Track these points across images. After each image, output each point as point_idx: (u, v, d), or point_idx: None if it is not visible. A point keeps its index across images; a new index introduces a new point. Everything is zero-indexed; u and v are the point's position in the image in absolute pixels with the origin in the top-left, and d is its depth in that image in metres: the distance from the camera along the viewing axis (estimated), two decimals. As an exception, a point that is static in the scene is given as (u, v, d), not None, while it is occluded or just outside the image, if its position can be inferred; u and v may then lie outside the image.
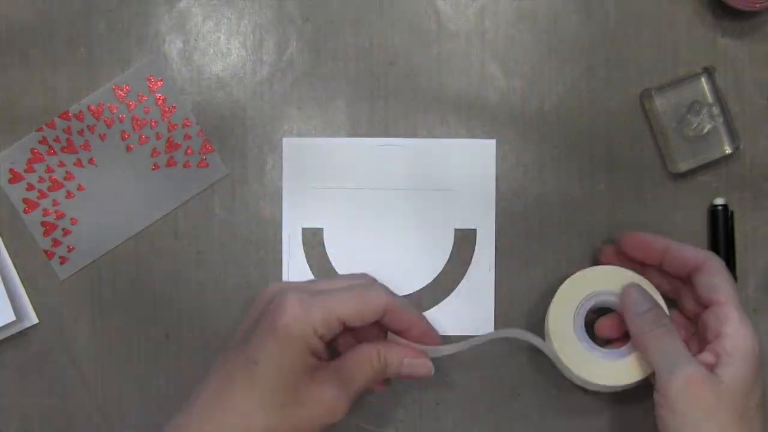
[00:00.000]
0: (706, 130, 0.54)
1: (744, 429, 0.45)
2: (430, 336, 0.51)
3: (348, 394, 0.47)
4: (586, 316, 0.52)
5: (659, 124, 0.54)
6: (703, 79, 0.54)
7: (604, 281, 0.52)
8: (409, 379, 0.51)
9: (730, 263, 0.54)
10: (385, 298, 0.48)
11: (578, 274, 0.52)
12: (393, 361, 0.49)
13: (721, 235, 0.54)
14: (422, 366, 0.50)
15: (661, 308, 0.50)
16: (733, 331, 0.46)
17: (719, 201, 0.54)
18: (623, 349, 0.51)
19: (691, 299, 0.51)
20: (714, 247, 0.54)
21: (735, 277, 0.54)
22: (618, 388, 0.51)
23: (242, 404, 0.45)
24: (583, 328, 0.52)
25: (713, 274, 0.48)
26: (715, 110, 0.54)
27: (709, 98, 0.54)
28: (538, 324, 0.55)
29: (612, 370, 0.50)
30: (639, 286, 0.51)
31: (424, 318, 0.51)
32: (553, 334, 0.51)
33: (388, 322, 0.49)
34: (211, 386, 0.47)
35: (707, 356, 0.47)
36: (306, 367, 0.46)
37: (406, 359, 0.49)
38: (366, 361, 0.49)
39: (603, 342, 0.53)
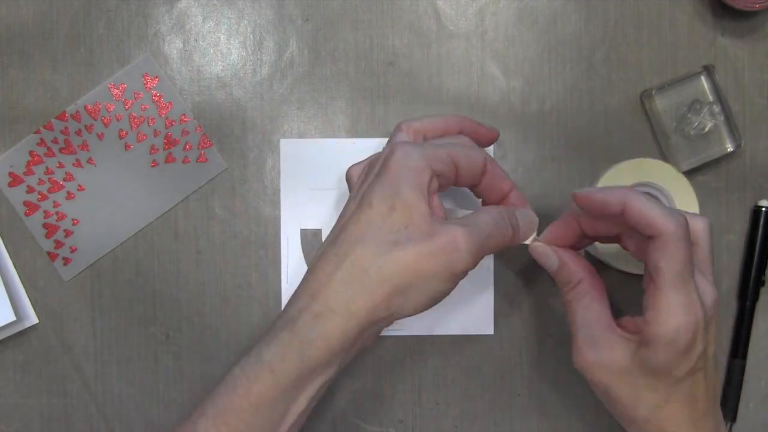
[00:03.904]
0: (706, 129, 0.54)
1: (672, 391, 0.44)
2: (523, 203, 0.49)
3: (472, 236, 0.44)
4: None
5: (660, 123, 0.54)
6: (703, 78, 0.54)
7: (648, 173, 0.52)
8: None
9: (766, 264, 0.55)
10: (485, 154, 0.48)
11: (626, 162, 0.52)
12: (522, 221, 0.48)
13: (760, 236, 0.54)
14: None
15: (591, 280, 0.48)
16: (655, 318, 0.44)
17: (764, 203, 0.54)
18: None
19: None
20: (751, 246, 0.54)
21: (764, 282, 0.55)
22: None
23: (361, 249, 0.43)
24: None
25: (660, 252, 0.44)
26: (716, 108, 0.54)
27: (710, 97, 0.54)
28: (537, 324, 0.55)
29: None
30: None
31: (516, 187, 0.50)
32: None
33: (486, 185, 0.48)
34: (329, 252, 0.44)
35: (628, 322, 0.46)
36: (420, 205, 0.44)
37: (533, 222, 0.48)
38: (493, 211, 0.46)
39: None
